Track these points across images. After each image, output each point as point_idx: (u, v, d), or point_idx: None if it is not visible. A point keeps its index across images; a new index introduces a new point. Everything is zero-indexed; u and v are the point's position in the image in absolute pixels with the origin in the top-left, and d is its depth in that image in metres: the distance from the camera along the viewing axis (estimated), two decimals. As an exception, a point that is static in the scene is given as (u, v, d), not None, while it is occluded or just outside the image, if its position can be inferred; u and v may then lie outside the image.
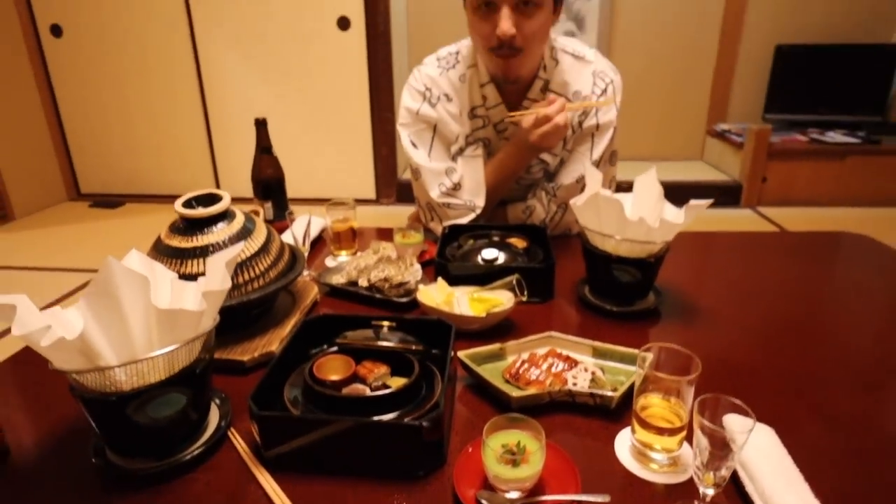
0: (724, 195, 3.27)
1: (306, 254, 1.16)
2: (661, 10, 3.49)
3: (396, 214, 3.21)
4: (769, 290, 1.07)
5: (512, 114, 1.16)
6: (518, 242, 1.09)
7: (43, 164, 3.46)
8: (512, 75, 1.14)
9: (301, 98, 3.23)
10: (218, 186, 3.47)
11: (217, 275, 0.61)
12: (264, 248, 0.86)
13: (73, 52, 3.32)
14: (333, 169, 3.35)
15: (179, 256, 0.79)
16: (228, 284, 0.61)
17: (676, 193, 3.36)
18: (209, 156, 3.44)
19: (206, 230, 0.82)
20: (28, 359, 0.85)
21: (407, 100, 1.24)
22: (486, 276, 0.97)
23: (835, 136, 3.24)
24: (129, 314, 0.54)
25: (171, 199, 3.14)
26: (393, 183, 3.36)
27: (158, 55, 3.27)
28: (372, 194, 3.37)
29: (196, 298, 0.61)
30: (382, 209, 3.31)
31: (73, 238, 2.98)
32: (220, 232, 0.82)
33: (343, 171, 3.35)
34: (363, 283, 1.01)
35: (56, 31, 3.29)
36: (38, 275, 2.53)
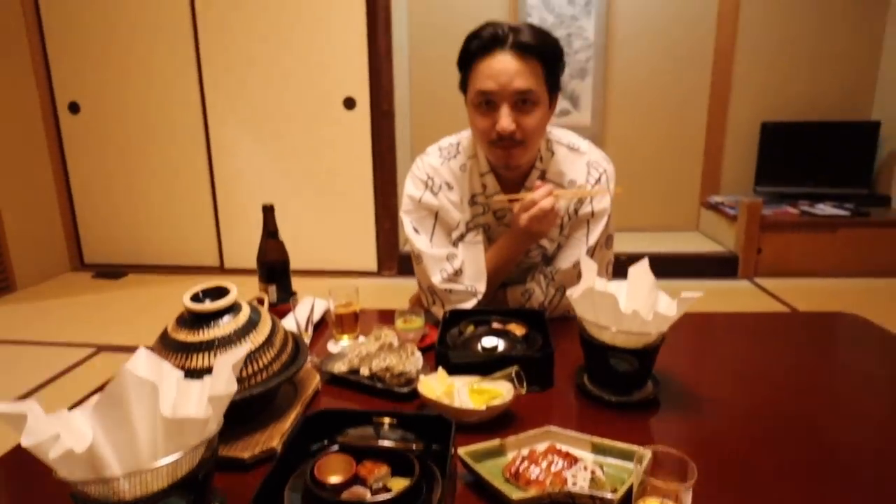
0: (722, 266, 3.31)
1: (308, 340, 1.18)
2: (650, 88, 3.66)
3: (397, 287, 3.24)
4: (768, 376, 1.08)
5: (502, 197, 1.22)
6: (517, 329, 1.11)
7: (49, 235, 3.53)
8: (513, 163, 1.20)
9: (306, 172, 3.33)
10: (221, 259, 3.51)
11: (223, 377, 0.63)
12: (268, 341, 0.88)
13: (88, 128, 3.46)
14: (336, 241, 3.41)
15: (185, 351, 0.81)
16: (234, 388, 0.62)
17: (674, 264, 3.38)
18: (214, 229, 3.51)
19: (212, 324, 0.84)
20: (22, 458, 0.84)
21: (410, 188, 1.29)
22: (485, 364, 0.98)
23: (825, 209, 3.32)
24: (138, 424, 0.55)
25: (174, 269, 3.18)
26: (394, 255, 3.41)
27: (171, 131, 3.40)
28: (374, 266, 3.41)
29: (201, 401, 0.63)
30: (384, 281, 3.34)
31: (73, 310, 2.99)
32: (227, 325, 0.84)
33: (346, 244, 3.41)
34: (364, 371, 1.02)
35: (74, 108, 3.43)
36: (37, 349, 2.52)
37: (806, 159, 3.54)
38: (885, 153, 3.45)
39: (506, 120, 1.11)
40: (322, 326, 1.32)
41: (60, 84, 3.42)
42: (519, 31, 1.11)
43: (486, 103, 1.14)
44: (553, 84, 1.16)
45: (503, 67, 1.10)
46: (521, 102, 1.12)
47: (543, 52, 1.12)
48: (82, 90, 3.41)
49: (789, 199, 3.51)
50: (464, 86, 1.19)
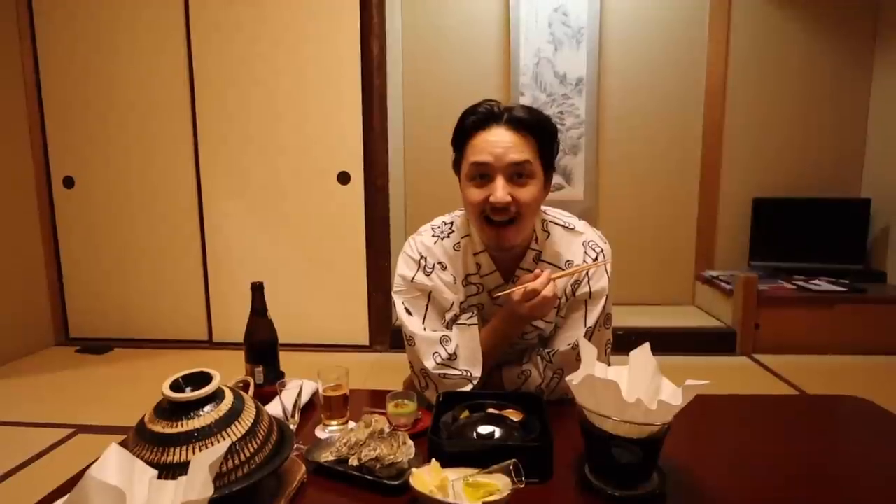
0: (719, 341, 3.27)
1: (295, 426, 1.12)
2: (642, 163, 3.75)
3: (389, 361, 3.16)
4: (777, 463, 1.02)
5: (498, 294, 1.19)
6: (514, 415, 1.06)
7: (34, 309, 3.46)
8: (506, 244, 1.18)
9: (299, 246, 3.33)
10: (210, 333, 3.44)
11: (198, 479, 0.58)
12: (251, 432, 0.83)
13: (81, 202, 3.47)
14: (328, 315, 3.36)
15: (162, 444, 0.76)
16: (210, 492, 0.58)
17: (672, 340, 3.32)
18: (204, 302, 3.46)
19: (192, 414, 0.79)
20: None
21: (402, 267, 1.27)
22: (481, 454, 0.93)
23: (821, 285, 3.32)
24: (100, 536, 0.51)
25: (161, 343, 3.08)
26: (387, 329, 3.35)
27: (165, 206, 3.41)
28: (365, 340, 3.35)
29: (174, 506, 0.58)
30: (376, 356, 3.27)
31: (54, 387, 2.88)
32: (208, 415, 0.79)
33: (338, 317, 3.36)
34: (353, 462, 0.96)
35: (68, 182, 3.45)
36: (13, 430, 2.41)
37: (799, 235, 3.59)
38: (878, 229, 3.50)
39: (501, 192, 1.11)
40: (310, 409, 1.26)
41: (56, 158, 3.45)
42: (513, 108, 1.15)
43: (480, 176, 1.14)
44: (547, 160, 1.17)
45: (498, 140, 1.12)
46: (516, 175, 1.12)
47: (537, 127, 1.14)
48: (78, 165, 3.44)
49: (783, 274, 3.52)
50: (457, 165, 1.20)
